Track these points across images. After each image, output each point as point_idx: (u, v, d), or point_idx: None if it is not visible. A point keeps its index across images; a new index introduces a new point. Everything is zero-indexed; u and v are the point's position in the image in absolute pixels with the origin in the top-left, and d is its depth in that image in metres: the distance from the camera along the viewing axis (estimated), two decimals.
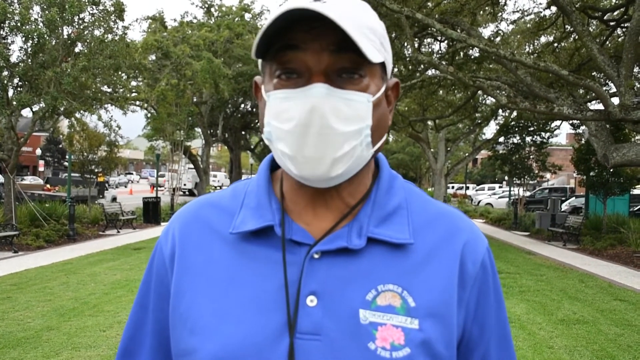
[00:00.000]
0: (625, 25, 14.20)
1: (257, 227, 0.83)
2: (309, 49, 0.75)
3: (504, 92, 13.04)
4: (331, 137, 0.75)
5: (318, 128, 0.74)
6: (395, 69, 21.03)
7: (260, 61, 0.83)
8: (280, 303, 0.78)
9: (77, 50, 14.36)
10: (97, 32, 14.42)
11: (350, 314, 0.77)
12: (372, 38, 0.77)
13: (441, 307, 0.80)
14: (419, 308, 0.79)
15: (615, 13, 15.38)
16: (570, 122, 18.98)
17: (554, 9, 15.43)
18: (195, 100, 26.94)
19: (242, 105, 34.21)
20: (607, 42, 15.77)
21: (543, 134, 22.01)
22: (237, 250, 0.84)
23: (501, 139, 23.17)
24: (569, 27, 15.04)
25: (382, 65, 0.81)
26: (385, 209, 0.84)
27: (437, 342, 0.78)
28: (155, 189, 23.32)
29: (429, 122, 26.51)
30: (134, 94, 20.85)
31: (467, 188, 48.56)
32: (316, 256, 0.80)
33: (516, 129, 21.92)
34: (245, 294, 0.80)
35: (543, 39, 19.14)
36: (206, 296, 0.82)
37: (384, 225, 0.83)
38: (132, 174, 71.94)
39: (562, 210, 23.34)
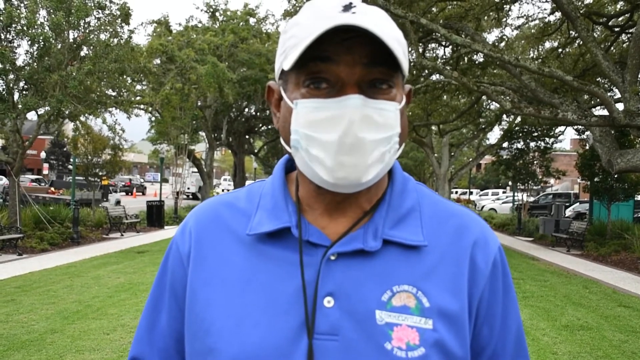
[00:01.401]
0: (630, 31, 14.20)
1: (273, 229, 0.84)
2: (342, 62, 0.76)
3: (508, 98, 13.05)
4: (365, 146, 0.76)
5: (354, 138, 0.75)
6: None
7: (279, 68, 0.83)
8: (297, 304, 0.79)
9: (82, 53, 14.42)
10: (102, 36, 14.48)
11: (367, 315, 0.79)
12: (398, 48, 0.78)
13: (454, 307, 0.81)
14: (432, 308, 0.80)
15: (620, 19, 15.38)
16: (575, 127, 18.98)
17: (558, 14, 15.44)
18: (199, 104, 26.98)
19: (246, 110, 34.22)
20: (612, 48, 15.76)
21: (547, 139, 21.98)
22: (253, 252, 0.85)
23: (505, 144, 23.15)
24: (573, 33, 15.03)
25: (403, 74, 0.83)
26: (400, 211, 0.86)
27: (451, 342, 0.80)
28: (159, 193, 23.37)
29: (433, 127, 26.52)
30: (138, 98, 20.91)
31: (471, 193, 48.49)
32: (332, 258, 0.81)
33: (520, 134, 21.89)
34: (262, 295, 0.81)
35: (547, 45, 19.15)
36: (223, 297, 0.83)
37: (398, 227, 0.84)
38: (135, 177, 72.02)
39: (566, 215, 23.27)
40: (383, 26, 0.76)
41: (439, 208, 0.90)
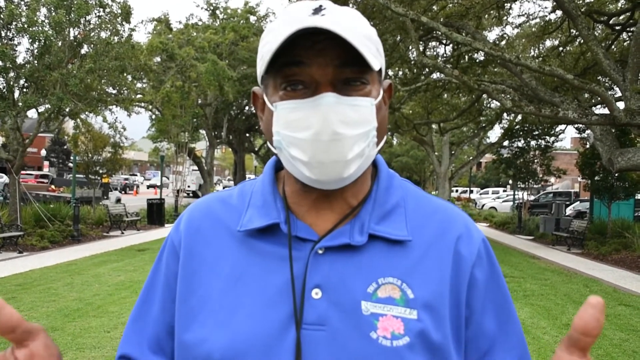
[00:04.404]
0: (631, 29, 14.18)
1: (263, 225, 0.87)
2: (314, 64, 0.79)
3: (508, 96, 13.03)
4: (342, 142, 0.79)
5: (330, 135, 0.78)
6: (400, 72, 21.04)
7: (260, 74, 0.86)
8: (286, 296, 0.83)
9: (83, 51, 14.42)
10: (103, 34, 14.49)
11: (353, 306, 0.81)
12: (370, 46, 0.81)
13: (437, 298, 0.84)
14: (417, 299, 0.83)
15: (621, 17, 15.35)
16: (575, 126, 18.95)
17: (559, 13, 15.42)
18: (199, 102, 27.00)
19: (247, 108, 34.23)
20: (613, 47, 15.74)
21: (548, 137, 21.96)
22: (245, 247, 0.88)
23: (506, 143, 23.13)
24: (574, 31, 15.01)
25: (379, 70, 0.85)
26: (385, 206, 0.89)
27: (434, 332, 0.82)
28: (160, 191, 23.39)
29: (434, 126, 26.50)
30: (139, 96, 20.92)
31: (471, 192, 48.52)
32: (320, 252, 0.84)
33: (521, 133, 21.88)
34: (253, 288, 0.84)
35: (548, 43, 19.13)
36: (216, 290, 0.86)
37: (384, 223, 0.87)
38: (136, 175, 72.05)
39: (567, 214, 23.27)
40: (353, 26, 0.79)
41: (423, 204, 0.92)
